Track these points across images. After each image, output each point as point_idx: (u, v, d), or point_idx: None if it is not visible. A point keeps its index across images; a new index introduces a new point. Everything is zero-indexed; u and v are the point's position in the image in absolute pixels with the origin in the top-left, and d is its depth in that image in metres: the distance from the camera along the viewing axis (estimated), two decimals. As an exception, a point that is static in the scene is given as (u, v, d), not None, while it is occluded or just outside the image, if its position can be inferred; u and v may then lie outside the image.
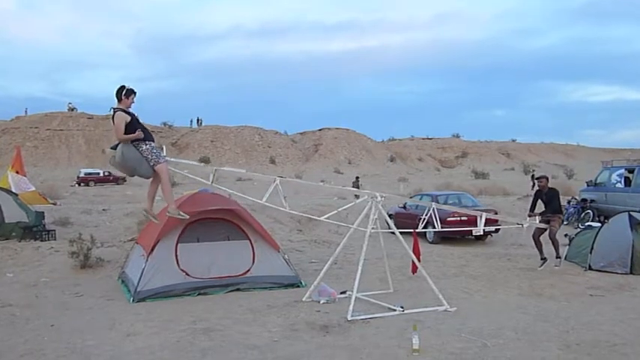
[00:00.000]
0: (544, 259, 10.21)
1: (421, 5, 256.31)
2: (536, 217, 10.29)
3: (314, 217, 9.50)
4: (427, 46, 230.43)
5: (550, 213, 10.30)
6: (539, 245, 10.33)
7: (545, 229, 10.27)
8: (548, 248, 10.90)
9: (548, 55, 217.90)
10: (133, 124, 6.99)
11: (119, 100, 7.00)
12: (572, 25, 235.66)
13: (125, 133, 6.93)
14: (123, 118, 6.94)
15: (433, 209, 9.14)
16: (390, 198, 12.14)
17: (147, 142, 7.08)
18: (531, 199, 11.11)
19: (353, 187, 29.99)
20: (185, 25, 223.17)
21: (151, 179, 7.40)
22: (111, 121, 7.12)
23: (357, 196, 30.19)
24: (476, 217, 14.88)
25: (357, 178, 34.68)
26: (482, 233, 14.99)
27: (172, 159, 7.72)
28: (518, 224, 9.96)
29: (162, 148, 7.33)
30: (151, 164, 7.08)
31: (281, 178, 8.19)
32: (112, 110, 7.02)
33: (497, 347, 6.21)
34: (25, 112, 73.48)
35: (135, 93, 7.08)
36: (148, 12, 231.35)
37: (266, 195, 7.94)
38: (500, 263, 11.92)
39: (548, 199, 10.51)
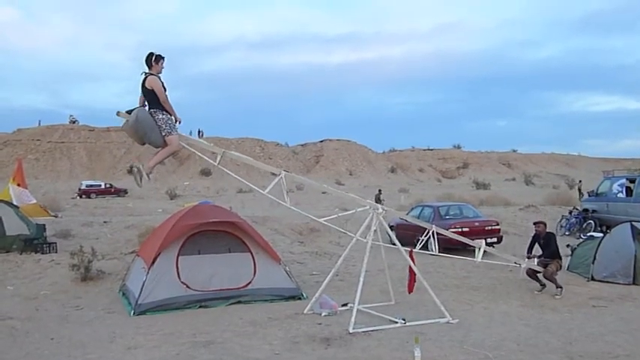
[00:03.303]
0: (543, 286, 10.13)
1: (421, 17, 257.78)
2: (535, 258, 10.22)
3: (314, 217, 9.48)
4: (427, 57, 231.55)
5: (548, 257, 10.26)
6: (534, 277, 10.25)
7: (539, 272, 10.19)
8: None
9: (548, 65, 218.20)
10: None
11: (149, 66, 7.09)
12: (573, 36, 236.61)
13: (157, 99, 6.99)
14: (159, 82, 7.04)
15: (433, 232, 8.96)
16: (392, 212, 12.19)
17: (164, 112, 7.12)
18: (529, 241, 11.04)
19: (375, 200, 30.44)
20: (186, 37, 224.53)
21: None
22: (140, 88, 7.13)
23: (377, 202, 30.34)
24: (477, 229, 14.98)
25: (380, 191, 34.73)
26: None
27: (184, 134, 7.72)
28: (515, 264, 9.89)
29: (177, 122, 7.37)
30: (163, 134, 7.10)
31: (287, 173, 8.16)
32: (144, 74, 7.07)
33: (500, 359, 6.18)
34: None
35: (164, 58, 7.16)
36: (150, 24, 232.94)
37: (269, 187, 7.88)
38: (502, 274, 11.87)
39: (545, 243, 10.45)
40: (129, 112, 7.17)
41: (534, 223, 10.98)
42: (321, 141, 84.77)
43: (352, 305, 7.82)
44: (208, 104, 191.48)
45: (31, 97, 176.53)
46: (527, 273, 10.21)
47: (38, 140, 69.42)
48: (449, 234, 9.92)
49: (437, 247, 8.87)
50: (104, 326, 8.00)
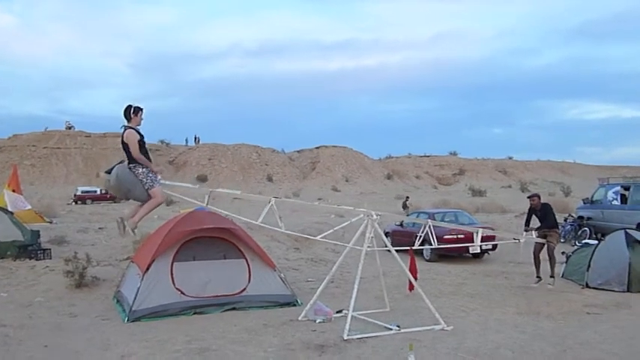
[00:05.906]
0: (539, 278, 10.22)
1: (419, 25, 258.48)
2: (533, 231, 10.30)
3: (310, 236, 9.50)
4: (425, 64, 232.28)
5: (546, 228, 10.32)
6: (537, 262, 10.33)
7: (544, 245, 10.28)
8: (544, 266, 10.90)
9: (544, 73, 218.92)
10: (142, 144, 7.19)
11: (128, 119, 7.17)
12: (568, 45, 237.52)
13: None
14: (135, 136, 7.08)
15: (429, 227, 9.13)
16: (387, 215, 12.21)
17: (143, 166, 7.17)
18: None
19: (403, 207, 30.55)
20: (184, 45, 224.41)
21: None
22: (120, 139, 7.22)
23: (404, 207, 30.33)
24: (473, 234, 14.99)
25: (407, 197, 34.82)
26: (479, 251, 15.03)
27: (167, 182, 7.77)
28: (515, 240, 9.97)
29: (156, 173, 7.42)
30: (146, 188, 7.15)
31: (276, 199, 8.19)
32: (123, 128, 7.15)
33: (494, 367, 6.17)
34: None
35: (142, 110, 7.25)
36: (148, 31, 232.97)
37: (261, 216, 7.96)
38: (498, 281, 11.90)
39: (542, 215, 10.56)
40: (109, 171, 7.22)
41: (528, 197, 11.09)
42: (317, 147, 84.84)
43: (347, 312, 7.81)
44: (205, 111, 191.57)
45: (29, 104, 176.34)
46: (534, 254, 10.26)
47: (34, 146, 69.24)
48: (444, 224, 10.00)
49: (435, 240, 8.98)
50: (98, 333, 7.95)
